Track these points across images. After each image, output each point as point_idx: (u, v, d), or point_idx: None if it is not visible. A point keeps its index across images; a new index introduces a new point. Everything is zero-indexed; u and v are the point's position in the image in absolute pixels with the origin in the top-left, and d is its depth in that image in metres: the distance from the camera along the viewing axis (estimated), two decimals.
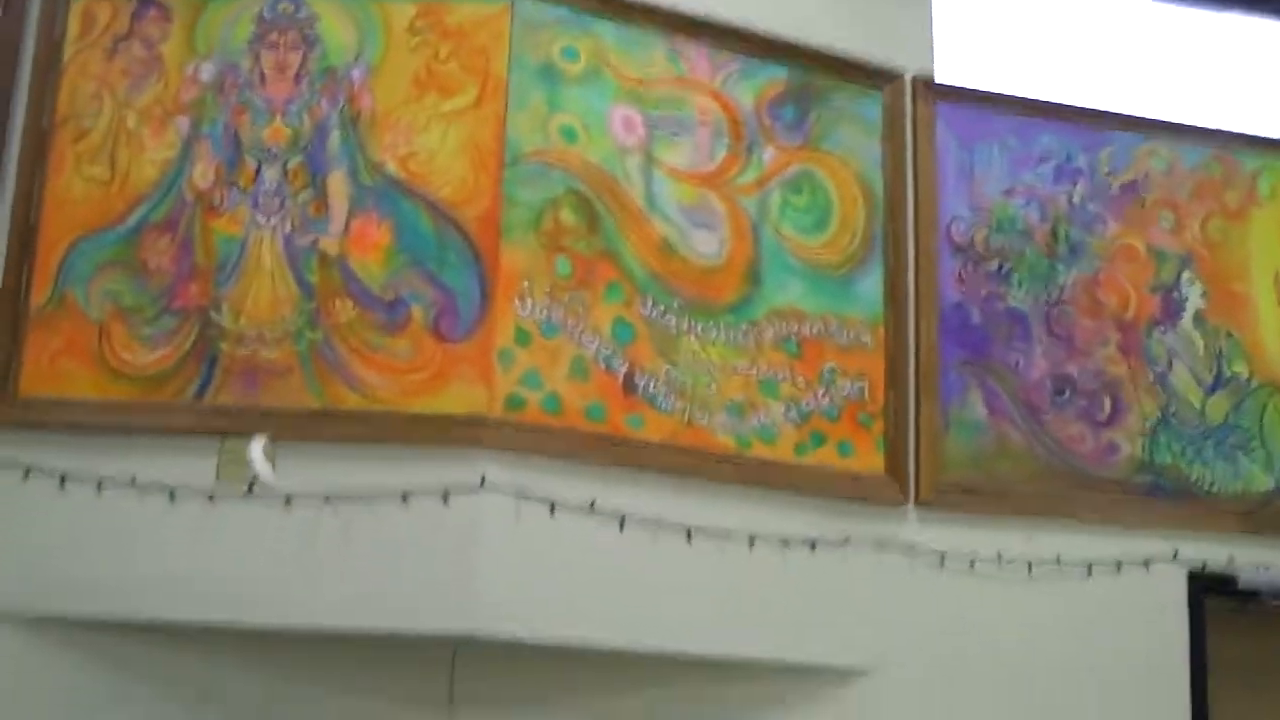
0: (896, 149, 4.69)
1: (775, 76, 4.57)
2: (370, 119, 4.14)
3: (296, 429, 3.92)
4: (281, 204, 4.08)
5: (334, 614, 3.85)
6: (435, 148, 4.13)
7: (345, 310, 4.02)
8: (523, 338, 4.04)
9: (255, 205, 4.08)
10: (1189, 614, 4.65)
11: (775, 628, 4.26)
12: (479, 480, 3.90)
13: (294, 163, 4.12)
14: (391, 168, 4.11)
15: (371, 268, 4.05)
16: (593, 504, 4.03)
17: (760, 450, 4.30)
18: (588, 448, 4.07)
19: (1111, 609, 4.58)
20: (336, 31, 4.21)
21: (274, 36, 4.21)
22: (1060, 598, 4.55)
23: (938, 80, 4.83)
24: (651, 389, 4.20)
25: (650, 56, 4.41)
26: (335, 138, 4.13)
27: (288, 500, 3.88)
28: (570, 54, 4.30)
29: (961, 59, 5.00)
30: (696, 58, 4.48)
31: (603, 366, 4.14)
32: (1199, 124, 5.09)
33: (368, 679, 4.15)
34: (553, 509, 3.98)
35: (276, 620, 3.84)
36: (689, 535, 4.15)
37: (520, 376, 4.02)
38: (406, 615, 3.85)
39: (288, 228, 4.06)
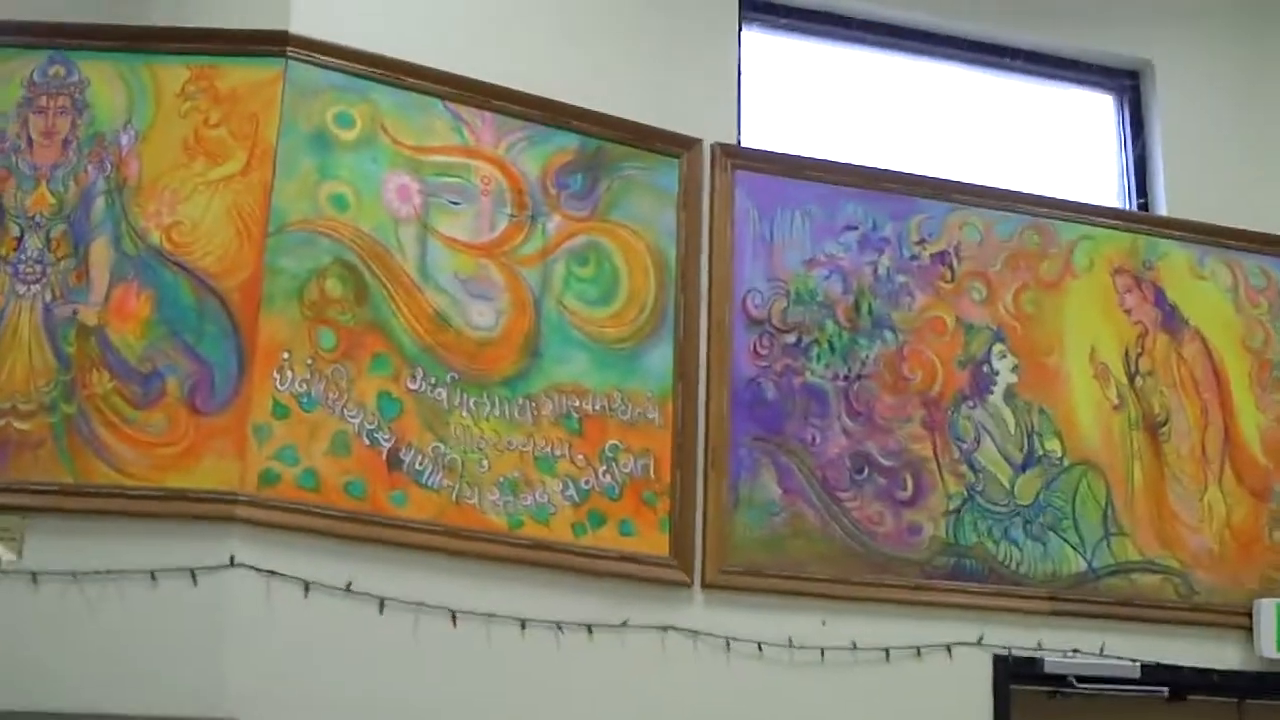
0: (692, 218, 4.55)
1: (565, 144, 4.46)
2: (136, 186, 4.05)
3: (46, 503, 3.78)
4: (43, 273, 3.97)
5: (77, 696, 3.68)
6: (199, 216, 4.02)
7: (101, 382, 3.89)
8: (280, 411, 3.91)
9: (15, 274, 3.97)
10: (994, 701, 4.47)
11: (548, 717, 4.08)
12: (229, 559, 3.76)
13: (57, 231, 4.01)
14: (155, 237, 4.00)
15: (130, 339, 3.93)
16: (349, 585, 3.88)
17: (534, 530, 4.14)
18: (345, 526, 3.91)
19: (912, 696, 4.39)
20: (107, 96, 4.13)
21: (43, 101, 4.13)
22: (856, 685, 4.36)
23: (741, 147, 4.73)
24: (418, 465, 4.04)
25: (430, 123, 4.30)
26: (100, 205, 4.03)
27: (34, 577, 3.73)
28: (344, 120, 4.19)
29: (769, 129, 4.89)
30: (481, 125, 4.36)
31: (365, 442, 4.00)
32: (1015, 190, 4.95)
33: None
34: (307, 589, 3.84)
35: (18, 702, 3.67)
36: (454, 618, 3.99)
37: (275, 451, 3.88)
38: (151, 700, 3.69)
39: (48, 297, 3.95)
